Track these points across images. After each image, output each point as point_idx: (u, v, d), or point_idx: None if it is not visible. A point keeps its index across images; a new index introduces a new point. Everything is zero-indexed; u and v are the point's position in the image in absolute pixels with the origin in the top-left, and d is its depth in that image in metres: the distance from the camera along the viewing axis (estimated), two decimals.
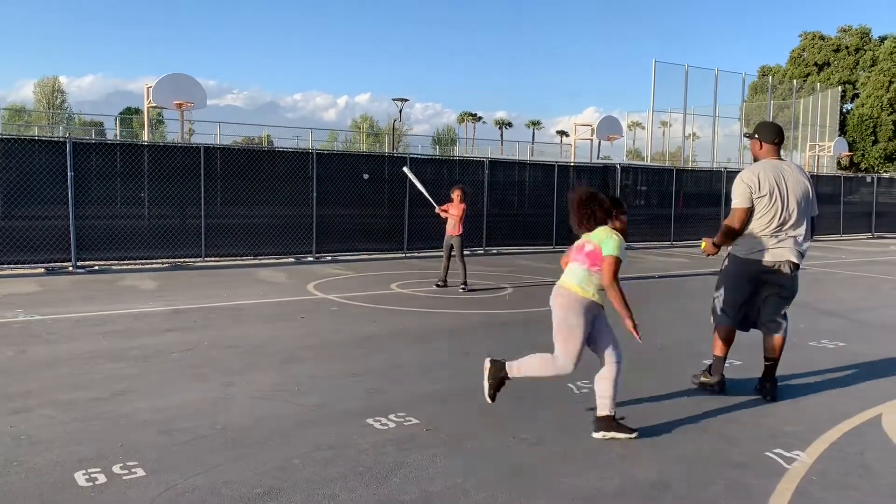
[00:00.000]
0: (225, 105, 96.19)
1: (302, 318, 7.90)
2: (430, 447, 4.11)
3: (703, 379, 5.48)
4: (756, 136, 5.22)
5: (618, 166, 19.10)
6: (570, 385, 5.42)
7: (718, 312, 5.36)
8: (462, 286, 10.03)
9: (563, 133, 73.11)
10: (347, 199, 14.42)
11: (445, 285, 10.32)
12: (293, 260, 13.68)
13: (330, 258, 14.08)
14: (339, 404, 4.86)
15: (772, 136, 5.18)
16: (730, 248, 5.29)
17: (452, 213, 10.10)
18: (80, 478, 3.58)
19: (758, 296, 5.20)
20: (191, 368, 5.71)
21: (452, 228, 10.17)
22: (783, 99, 42.51)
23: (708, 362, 5.57)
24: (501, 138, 76.05)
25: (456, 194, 10.20)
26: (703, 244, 5.36)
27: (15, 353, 6.11)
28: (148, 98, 17.73)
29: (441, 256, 10.53)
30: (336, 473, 3.70)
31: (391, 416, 4.61)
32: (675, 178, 19.80)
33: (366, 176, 14.66)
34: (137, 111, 49.42)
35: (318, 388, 5.23)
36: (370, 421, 4.52)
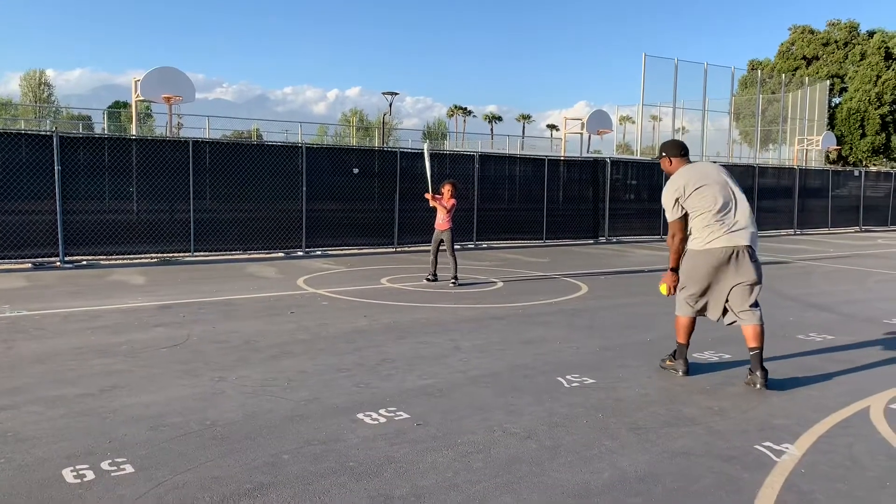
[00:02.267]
0: (214, 99, 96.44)
1: (292, 313, 7.88)
2: (420, 442, 4.10)
3: (668, 363, 5.74)
4: (664, 154, 5.72)
5: (608, 160, 19.11)
6: (560, 379, 5.43)
7: (680, 303, 5.54)
8: (452, 280, 10.02)
9: (553, 127, 73.22)
10: (337, 194, 14.40)
11: (436, 279, 10.32)
12: (283, 255, 13.64)
13: (320, 252, 14.05)
14: (330, 399, 4.85)
15: (678, 150, 5.70)
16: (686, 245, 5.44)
17: (442, 206, 10.08)
18: (67, 474, 3.55)
19: (723, 286, 5.29)
20: (180, 364, 5.68)
21: (441, 223, 10.16)
22: (772, 93, 42.66)
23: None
24: (492, 132, 76.08)
25: (447, 188, 10.17)
26: (662, 288, 5.54)
27: (2, 349, 6.06)
28: (136, 92, 17.60)
29: (429, 251, 10.52)
30: (326, 469, 3.70)
31: (381, 411, 4.61)
32: (665, 172, 19.80)
33: (356, 170, 14.63)
34: (126, 105, 49.11)
35: (308, 383, 5.21)
36: (360, 416, 4.52)
